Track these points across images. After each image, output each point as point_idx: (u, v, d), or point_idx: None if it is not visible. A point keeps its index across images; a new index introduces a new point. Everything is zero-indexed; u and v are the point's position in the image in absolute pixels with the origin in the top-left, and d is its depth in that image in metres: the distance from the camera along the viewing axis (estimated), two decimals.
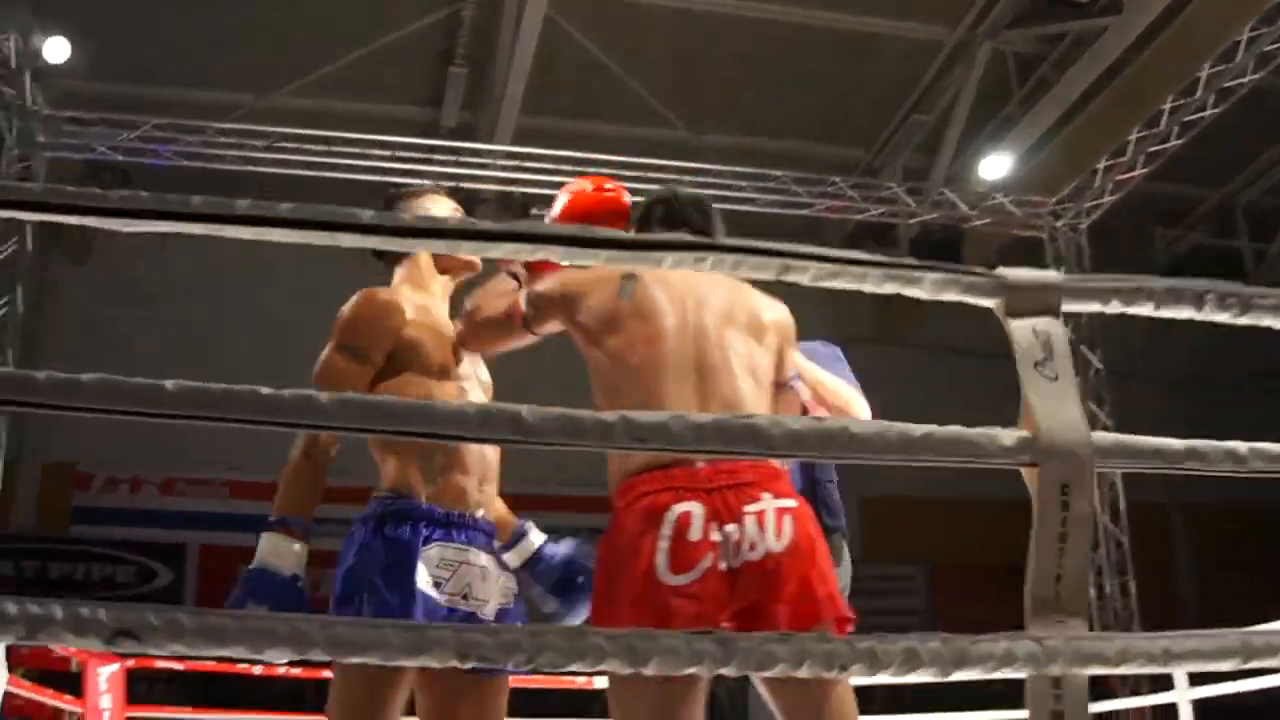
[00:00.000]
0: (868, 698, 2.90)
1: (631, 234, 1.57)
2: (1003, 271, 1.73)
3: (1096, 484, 1.58)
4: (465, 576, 2.88)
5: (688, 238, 1.57)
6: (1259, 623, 4.54)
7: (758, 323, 2.70)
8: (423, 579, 2.80)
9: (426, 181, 3.47)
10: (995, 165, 11.38)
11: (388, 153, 10.72)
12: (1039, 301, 1.69)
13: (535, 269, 2.81)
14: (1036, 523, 1.51)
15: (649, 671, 1.25)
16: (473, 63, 11.75)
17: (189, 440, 14.25)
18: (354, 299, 3.06)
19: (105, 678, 6.92)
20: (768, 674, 1.27)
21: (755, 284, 2.61)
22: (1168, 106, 10.59)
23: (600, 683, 7.19)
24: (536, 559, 3.14)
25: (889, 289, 1.64)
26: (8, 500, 11.39)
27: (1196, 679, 7.34)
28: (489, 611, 2.93)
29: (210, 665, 8.18)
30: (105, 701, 6.86)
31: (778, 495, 2.40)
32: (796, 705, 2.36)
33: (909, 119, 12.44)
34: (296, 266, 14.73)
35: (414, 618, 2.71)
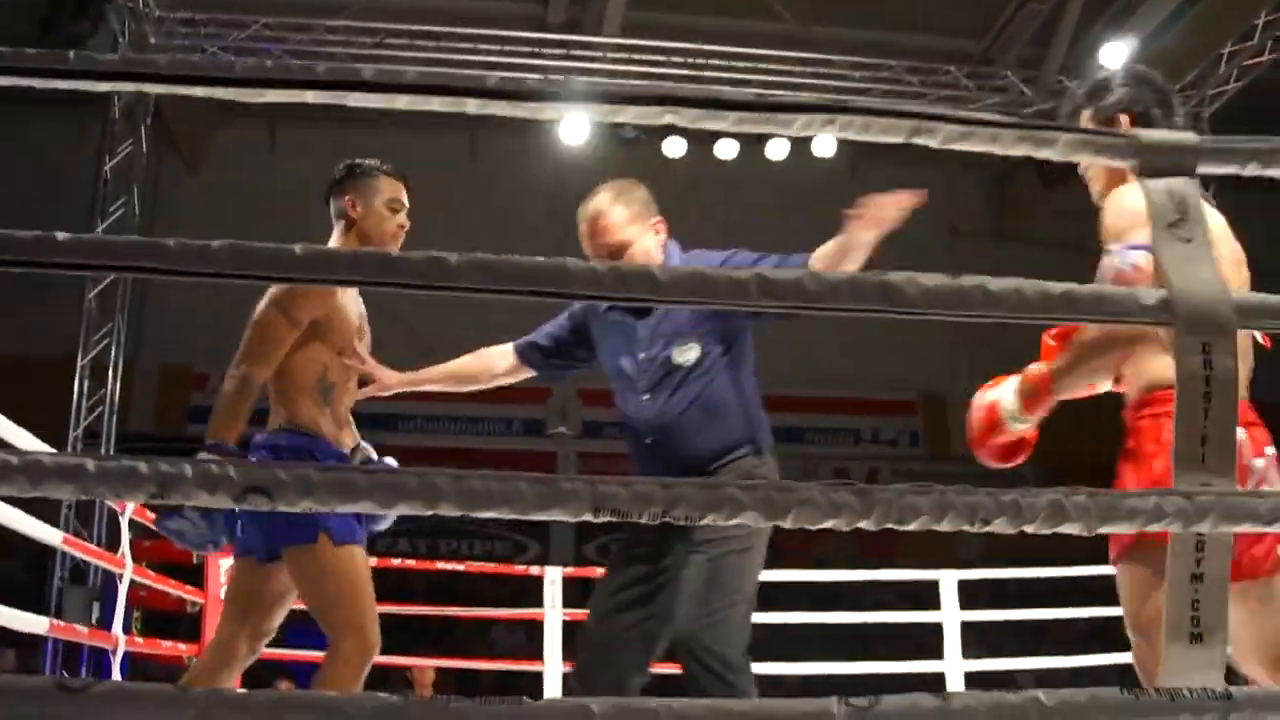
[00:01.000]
0: None
1: (756, 96, 1.55)
2: (1138, 132, 1.68)
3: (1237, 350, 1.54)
4: None
5: (818, 99, 1.54)
6: None
7: None
8: None
9: (372, 161, 3.61)
10: (1116, 52, 11.04)
11: (496, 47, 10.68)
12: (1174, 163, 1.65)
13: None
14: (1180, 382, 1.49)
15: (789, 524, 1.25)
16: None
17: None
18: None
19: (225, 570, 7.09)
20: (908, 526, 1.26)
21: None
22: None
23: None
24: None
25: (1021, 150, 1.61)
26: (126, 402, 11.67)
27: None
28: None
29: None
30: (225, 593, 7.03)
31: None
32: None
33: (1025, 6, 12.12)
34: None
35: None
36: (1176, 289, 1.53)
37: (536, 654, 6.75)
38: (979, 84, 11.42)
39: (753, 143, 12.08)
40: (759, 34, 11.69)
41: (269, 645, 3.82)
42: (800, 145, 12.06)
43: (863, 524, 1.27)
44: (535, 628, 6.84)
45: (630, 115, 1.49)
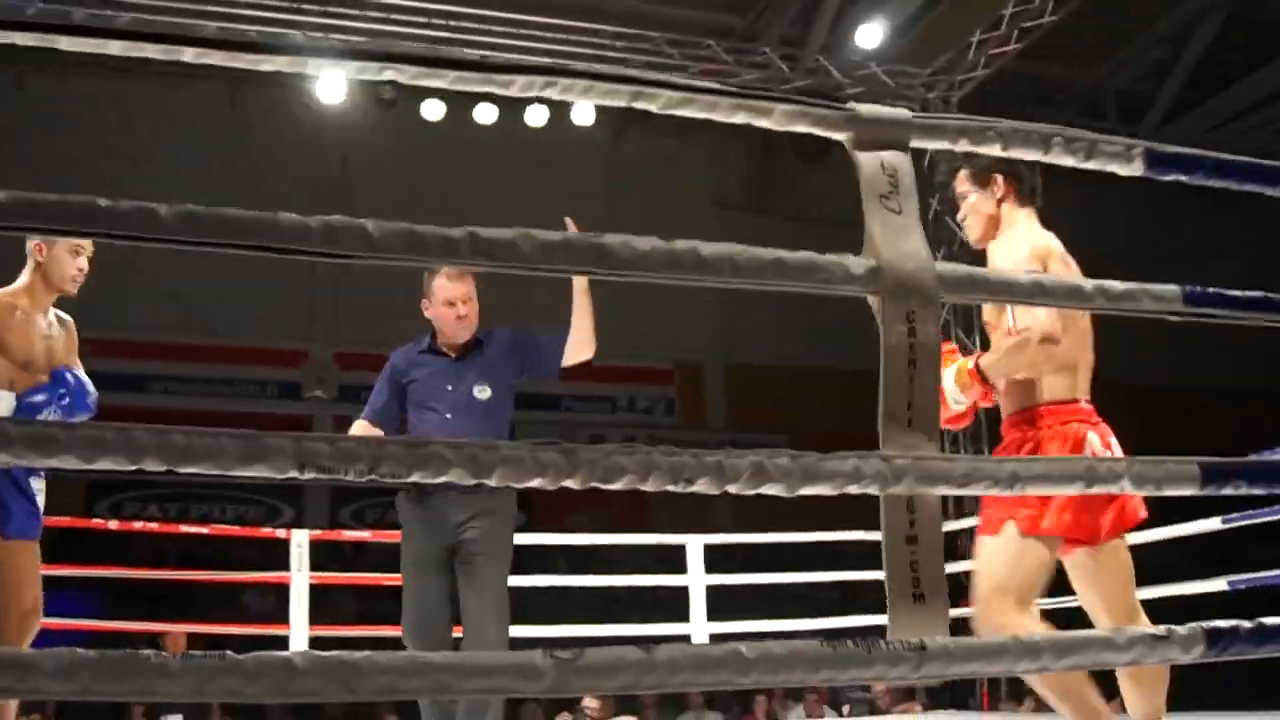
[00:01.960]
0: None
1: (479, 57, 1.54)
2: (854, 105, 1.73)
3: (940, 319, 1.61)
4: None
5: (540, 61, 1.54)
6: None
7: None
8: None
9: None
10: (870, 34, 11.36)
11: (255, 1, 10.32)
12: (888, 136, 1.70)
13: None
14: (884, 350, 1.54)
15: (494, 481, 1.25)
16: None
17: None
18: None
19: None
20: (614, 485, 1.27)
21: None
22: None
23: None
24: None
25: (739, 118, 1.64)
26: None
27: None
28: None
29: (65, 520, 8.08)
30: None
31: None
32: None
33: None
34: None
35: None
36: (884, 259, 1.59)
37: (287, 618, 6.66)
38: (738, 59, 11.56)
39: (514, 108, 12.01)
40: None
41: None
42: (560, 112, 12.03)
43: (568, 483, 1.29)
44: (286, 591, 6.74)
45: (351, 71, 1.47)
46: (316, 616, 6.76)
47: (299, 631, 6.44)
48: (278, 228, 1.34)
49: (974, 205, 3.43)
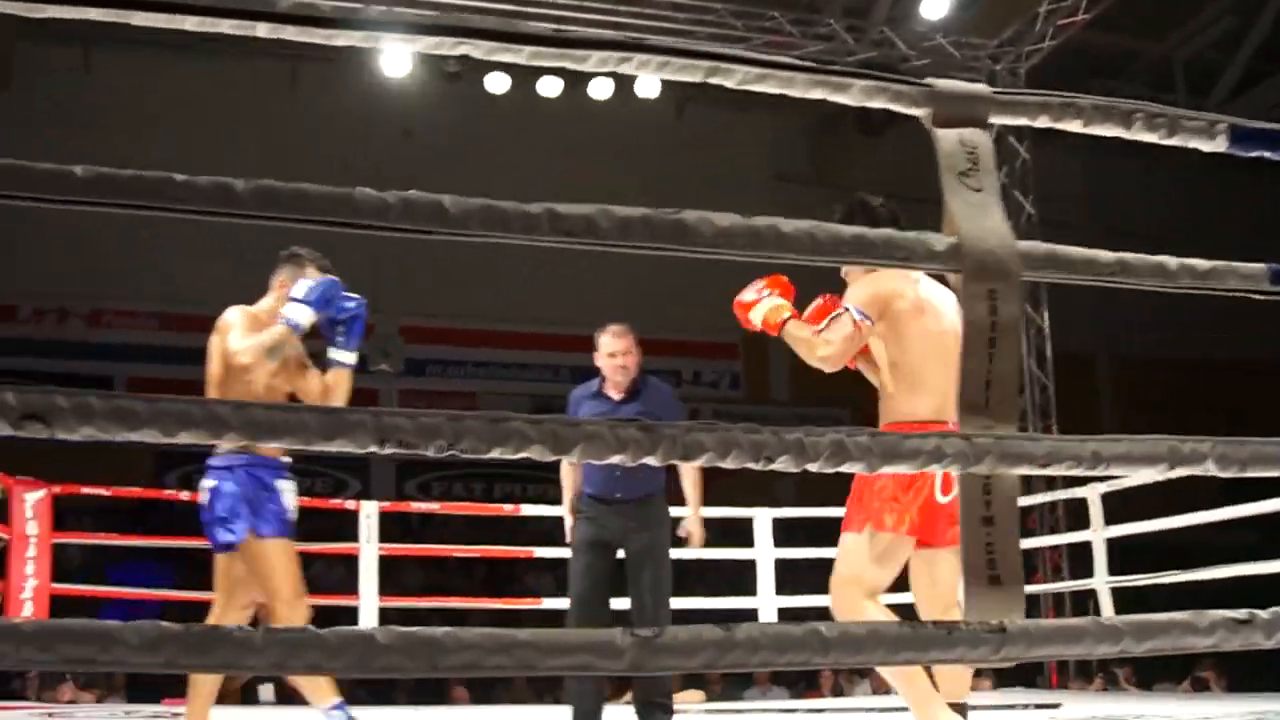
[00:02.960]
0: None
1: (554, 31, 1.54)
2: (932, 81, 1.71)
3: (1023, 298, 1.59)
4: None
5: (615, 36, 1.53)
6: None
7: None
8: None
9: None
10: (936, 5, 11.24)
11: None
12: (967, 112, 1.68)
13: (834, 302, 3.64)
14: (965, 328, 1.52)
15: (575, 458, 1.25)
16: None
17: (118, 270, 14.08)
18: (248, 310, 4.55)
19: (31, 504, 6.90)
20: (695, 462, 1.27)
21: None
22: None
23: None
24: None
25: (816, 94, 1.62)
26: None
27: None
28: None
29: (138, 491, 8.16)
30: (32, 529, 6.85)
31: None
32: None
33: None
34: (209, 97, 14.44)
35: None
36: (965, 236, 1.57)
37: (356, 589, 6.72)
38: (803, 31, 11.49)
39: (577, 81, 12.00)
40: None
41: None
42: (624, 85, 12.01)
43: (649, 459, 1.28)
44: (355, 562, 6.80)
45: (424, 45, 1.47)
46: (385, 588, 6.81)
47: (369, 602, 6.49)
48: (355, 203, 1.34)
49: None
